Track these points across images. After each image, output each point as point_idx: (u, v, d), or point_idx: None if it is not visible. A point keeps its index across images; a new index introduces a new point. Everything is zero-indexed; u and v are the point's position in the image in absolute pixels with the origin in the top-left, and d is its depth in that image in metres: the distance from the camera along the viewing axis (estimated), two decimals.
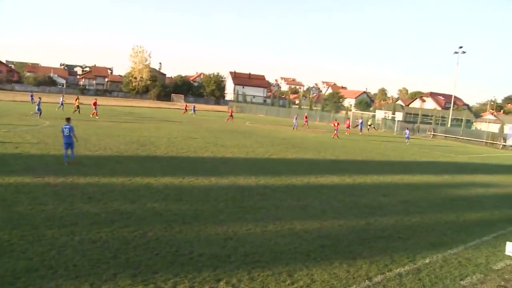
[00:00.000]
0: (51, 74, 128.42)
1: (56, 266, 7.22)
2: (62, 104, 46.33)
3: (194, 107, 63.52)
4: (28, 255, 7.60)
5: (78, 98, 46.79)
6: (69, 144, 16.23)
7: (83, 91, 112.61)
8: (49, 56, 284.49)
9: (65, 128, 16.30)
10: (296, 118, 48.69)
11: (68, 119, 17.05)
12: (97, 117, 38.46)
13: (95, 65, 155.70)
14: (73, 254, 7.76)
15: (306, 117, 55.57)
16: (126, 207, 11.13)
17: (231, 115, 52.34)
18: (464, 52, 67.03)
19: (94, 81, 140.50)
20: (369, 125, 46.65)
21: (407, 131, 44.78)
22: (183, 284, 7.06)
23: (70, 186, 12.75)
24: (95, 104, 40.73)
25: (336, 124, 41.66)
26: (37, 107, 36.03)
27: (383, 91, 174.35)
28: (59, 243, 8.25)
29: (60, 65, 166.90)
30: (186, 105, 66.07)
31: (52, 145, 20.01)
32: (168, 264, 7.77)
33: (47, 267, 7.18)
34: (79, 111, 42.31)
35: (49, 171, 14.36)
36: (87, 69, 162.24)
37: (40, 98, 39.39)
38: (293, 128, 46.42)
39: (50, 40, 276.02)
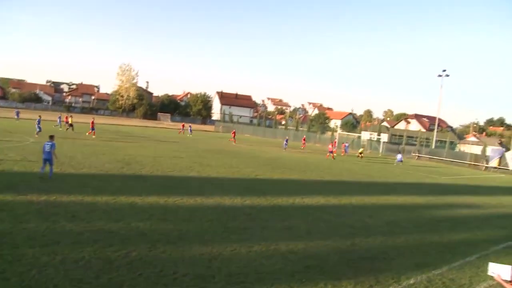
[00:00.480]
0: (37, 91, 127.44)
1: (35, 287, 7.07)
2: (60, 122, 46.00)
3: (190, 127, 63.36)
4: (6, 275, 7.41)
5: (71, 116, 46.46)
6: (47, 160, 16.39)
7: (69, 108, 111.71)
8: (35, 73, 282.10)
9: (47, 144, 16.49)
10: (287, 140, 49.06)
11: (51, 137, 17.19)
12: (93, 136, 38.00)
13: (82, 83, 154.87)
14: (54, 274, 7.61)
15: (304, 140, 55.88)
16: (110, 226, 10.99)
17: (234, 137, 52.43)
18: (447, 75, 68.28)
19: (80, 99, 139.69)
20: (360, 153, 46.95)
21: (400, 156, 45.89)
22: None
23: (54, 205, 12.57)
24: (92, 123, 40.26)
25: (331, 146, 42.53)
26: (37, 125, 35.68)
27: (368, 113, 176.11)
28: (40, 262, 8.09)
29: (46, 82, 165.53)
30: (183, 125, 65.87)
31: (36, 162, 19.73)
32: (152, 285, 7.66)
33: (26, 287, 7.03)
34: (72, 128, 42.05)
35: (32, 189, 14.15)
36: (74, 86, 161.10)
37: (40, 116, 38.84)
38: (283, 148, 46.74)
39: (36, 56, 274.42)
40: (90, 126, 39.62)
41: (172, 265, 8.67)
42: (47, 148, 16.38)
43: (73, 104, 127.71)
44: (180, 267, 8.64)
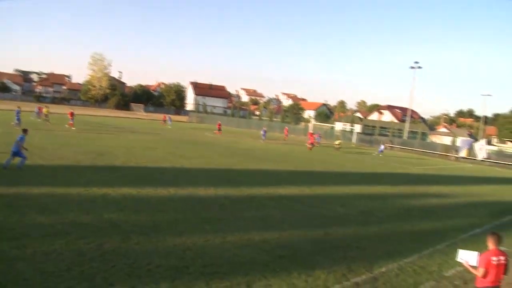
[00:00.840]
0: (5, 80, 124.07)
1: (4, 281, 6.91)
2: (38, 113, 44.63)
3: (169, 118, 62.55)
4: None
5: (47, 106, 45.22)
6: (14, 153, 16.13)
7: (40, 98, 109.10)
8: (2, 61, 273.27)
9: (18, 137, 16.41)
10: (265, 131, 48.40)
11: (24, 130, 17.08)
12: (73, 128, 36.85)
13: (52, 72, 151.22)
14: (24, 268, 7.46)
15: (287, 131, 55.67)
16: (82, 218, 10.83)
17: (220, 129, 52.08)
18: (420, 67, 69.46)
19: (51, 89, 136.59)
20: (337, 144, 46.57)
21: (382, 147, 47.14)
22: None
23: (23, 197, 12.28)
24: (71, 114, 39.15)
25: (310, 137, 42.95)
26: (16, 116, 34.58)
27: (342, 104, 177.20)
28: (9, 256, 7.90)
29: (14, 71, 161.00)
30: (164, 116, 64.82)
31: (4, 154, 19.23)
32: (125, 276, 7.60)
33: None
34: (48, 120, 40.94)
35: (1, 181, 13.82)
36: (44, 76, 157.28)
37: (19, 107, 37.44)
38: (262, 140, 46.30)
39: (2, 44, 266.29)
40: (70, 117, 38.62)
41: (145, 257, 8.62)
42: (17, 140, 16.23)
43: (43, 94, 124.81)
44: (153, 258, 8.60)
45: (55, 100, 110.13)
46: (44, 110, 42.76)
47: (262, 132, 48.02)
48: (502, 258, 6.65)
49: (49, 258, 7.99)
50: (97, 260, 8.17)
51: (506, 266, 6.70)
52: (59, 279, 7.18)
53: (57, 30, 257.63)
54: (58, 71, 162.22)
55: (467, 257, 6.82)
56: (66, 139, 27.99)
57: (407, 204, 18.54)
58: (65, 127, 37.32)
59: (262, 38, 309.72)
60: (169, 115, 66.50)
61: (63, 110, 55.01)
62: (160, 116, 77.06)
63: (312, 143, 42.17)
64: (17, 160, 16.13)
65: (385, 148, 48.81)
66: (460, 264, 7.10)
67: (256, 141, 45.55)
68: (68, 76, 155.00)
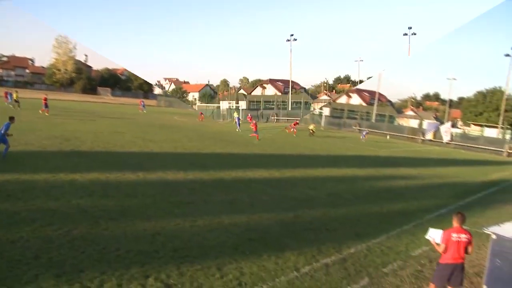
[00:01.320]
0: None
1: None
2: (11, 99, 42.91)
3: (143, 102, 60.94)
4: None
5: (16, 91, 43.67)
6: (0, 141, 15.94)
7: (1, 82, 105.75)
8: None
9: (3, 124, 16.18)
10: (238, 118, 48.16)
11: (10, 118, 16.71)
12: (47, 114, 35.41)
13: (13, 55, 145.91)
14: None
15: (250, 118, 55.92)
16: (49, 204, 10.60)
17: (201, 114, 52.83)
18: (295, 40, 76.40)
19: (13, 72, 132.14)
20: (311, 130, 45.85)
21: (365, 131, 48.80)
22: (110, 282, 6.89)
23: None
24: (45, 99, 37.80)
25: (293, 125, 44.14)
26: None
27: (225, 82, 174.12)
28: None
29: None
30: (141, 101, 63.06)
31: None
32: (95, 262, 7.53)
33: None
34: (18, 105, 39.51)
35: None
36: (5, 58, 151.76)
37: None
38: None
39: None
40: (43, 103, 37.29)
41: (115, 242, 8.54)
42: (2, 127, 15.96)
43: (4, 78, 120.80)
44: (123, 243, 8.53)
45: (18, 84, 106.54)
46: (14, 95, 41.45)
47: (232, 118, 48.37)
48: (463, 236, 6.90)
49: (15, 246, 7.82)
50: (65, 246, 8.06)
51: (467, 244, 6.94)
52: (26, 267, 7.05)
53: (18, 11, 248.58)
54: (19, 53, 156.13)
55: (435, 234, 7.14)
56: (31, 125, 27.22)
57: (375, 186, 18.89)
58: (39, 113, 35.79)
59: (139, 23, 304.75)
60: (142, 100, 65.39)
61: (27, 94, 53.53)
62: (129, 100, 76.01)
63: (295, 124, 43.38)
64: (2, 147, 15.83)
65: (367, 133, 50.39)
66: (426, 243, 7.34)
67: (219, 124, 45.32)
68: (31, 59, 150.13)
